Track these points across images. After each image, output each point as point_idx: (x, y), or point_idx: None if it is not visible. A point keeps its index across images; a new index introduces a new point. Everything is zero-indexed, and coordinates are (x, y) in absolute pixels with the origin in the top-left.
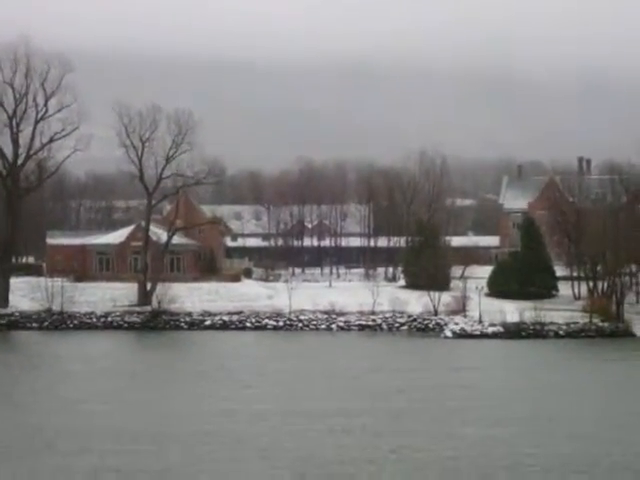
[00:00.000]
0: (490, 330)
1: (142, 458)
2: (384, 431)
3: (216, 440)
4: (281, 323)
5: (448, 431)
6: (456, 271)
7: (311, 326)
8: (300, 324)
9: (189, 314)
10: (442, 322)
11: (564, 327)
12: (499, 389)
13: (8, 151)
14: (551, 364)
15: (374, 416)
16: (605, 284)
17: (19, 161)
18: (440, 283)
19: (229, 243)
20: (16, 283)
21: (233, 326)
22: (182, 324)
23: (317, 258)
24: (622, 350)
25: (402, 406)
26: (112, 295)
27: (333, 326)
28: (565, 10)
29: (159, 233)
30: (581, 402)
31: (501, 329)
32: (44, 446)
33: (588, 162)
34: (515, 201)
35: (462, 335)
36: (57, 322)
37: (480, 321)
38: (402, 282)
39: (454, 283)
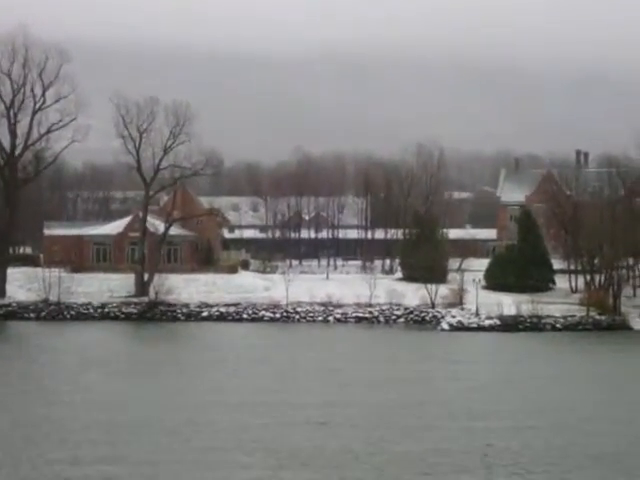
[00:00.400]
0: (487, 323)
1: (123, 449)
2: (368, 423)
3: (197, 430)
4: (278, 315)
5: (433, 424)
6: (453, 264)
7: (308, 318)
8: (297, 316)
9: (186, 305)
10: (439, 315)
11: (561, 320)
12: (490, 382)
13: (6, 142)
14: (546, 357)
15: (360, 408)
16: (602, 277)
17: (17, 152)
18: (437, 276)
19: (226, 234)
20: (13, 273)
21: (230, 317)
22: (179, 315)
23: (314, 250)
24: (618, 343)
25: (391, 398)
26: (109, 286)
27: (330, 318)
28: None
29: (156, 224)
30: (571, 395)
31: (498, 322)
32: (24, 438)
33: (585, 155)
34: (512, 194)
35: (459, 328)
36: (54, 313)
37: (477, 314)
38: (399, 274)
39: (451, 276)
